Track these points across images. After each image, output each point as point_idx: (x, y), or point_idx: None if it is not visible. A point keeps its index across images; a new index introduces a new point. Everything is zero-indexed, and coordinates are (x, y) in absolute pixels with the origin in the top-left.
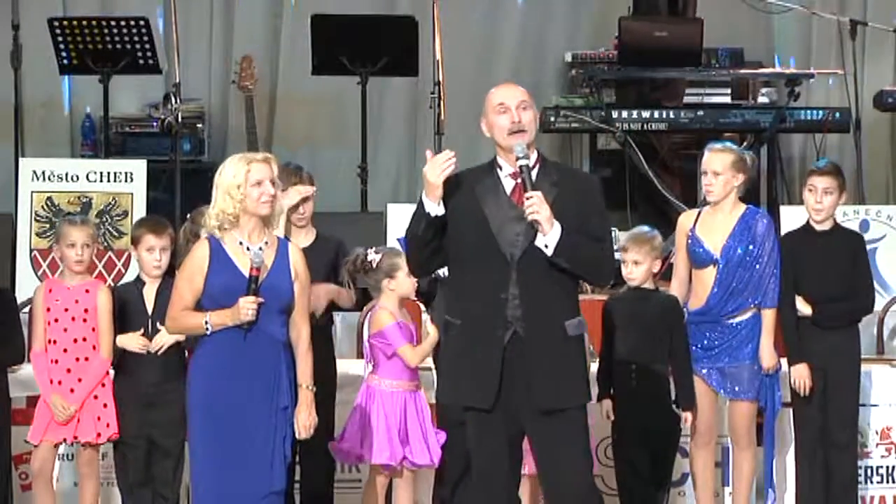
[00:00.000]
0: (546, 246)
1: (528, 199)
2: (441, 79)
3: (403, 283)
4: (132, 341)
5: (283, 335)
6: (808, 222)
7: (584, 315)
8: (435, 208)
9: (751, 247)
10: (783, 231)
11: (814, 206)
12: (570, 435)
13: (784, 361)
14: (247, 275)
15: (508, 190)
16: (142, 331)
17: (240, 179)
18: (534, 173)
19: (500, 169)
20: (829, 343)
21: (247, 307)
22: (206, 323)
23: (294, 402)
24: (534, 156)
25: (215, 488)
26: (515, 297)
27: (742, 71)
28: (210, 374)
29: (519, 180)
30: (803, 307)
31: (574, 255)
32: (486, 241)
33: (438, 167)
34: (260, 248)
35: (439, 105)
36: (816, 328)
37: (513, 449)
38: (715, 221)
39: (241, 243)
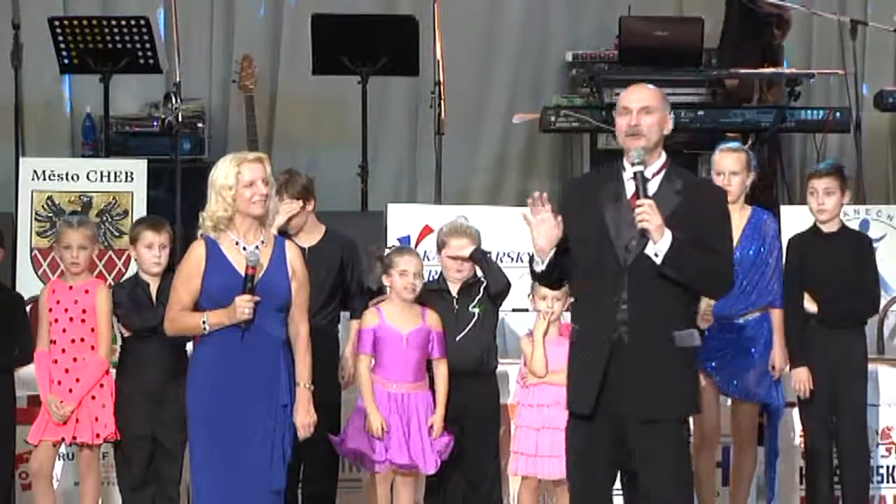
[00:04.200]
0: (655, 255)
1: (638, 206)
2: (441, 79)
3: (395, 281)
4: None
5: (282, 333)
6: (815, 224)
7: None
8: (540, 265)
9: (762, 247)
10: (784, 230)
11: (817, 209)
12: (664, 447)
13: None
14: (243, 274)
15: (630, 193)
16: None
17: (231, 181)
18: (657, 180)
19: (624, 170)
20: (838, 343)
21: (243, 306)
22: (204, 323)
23: (293, 401)
24: (659, 161)
25: (215, 488)
26: (624, 302)
27: (742, 71)
28: (209, 373)
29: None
30: (810, 304)
31: (683, 266)
32: (603, 245)
33: (545, 237)
34: (256, 248)
35: (439, 105)
36: (824, 328)
37: (611, 455)
38: None
39: (237, 243)
